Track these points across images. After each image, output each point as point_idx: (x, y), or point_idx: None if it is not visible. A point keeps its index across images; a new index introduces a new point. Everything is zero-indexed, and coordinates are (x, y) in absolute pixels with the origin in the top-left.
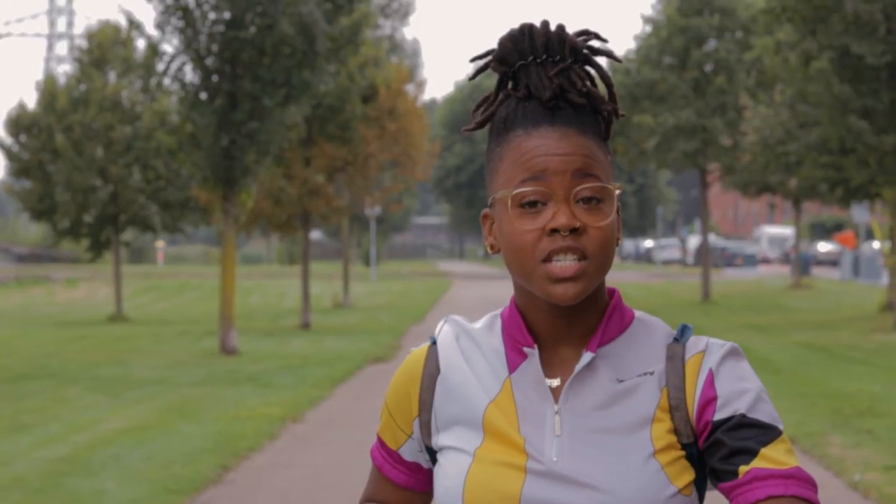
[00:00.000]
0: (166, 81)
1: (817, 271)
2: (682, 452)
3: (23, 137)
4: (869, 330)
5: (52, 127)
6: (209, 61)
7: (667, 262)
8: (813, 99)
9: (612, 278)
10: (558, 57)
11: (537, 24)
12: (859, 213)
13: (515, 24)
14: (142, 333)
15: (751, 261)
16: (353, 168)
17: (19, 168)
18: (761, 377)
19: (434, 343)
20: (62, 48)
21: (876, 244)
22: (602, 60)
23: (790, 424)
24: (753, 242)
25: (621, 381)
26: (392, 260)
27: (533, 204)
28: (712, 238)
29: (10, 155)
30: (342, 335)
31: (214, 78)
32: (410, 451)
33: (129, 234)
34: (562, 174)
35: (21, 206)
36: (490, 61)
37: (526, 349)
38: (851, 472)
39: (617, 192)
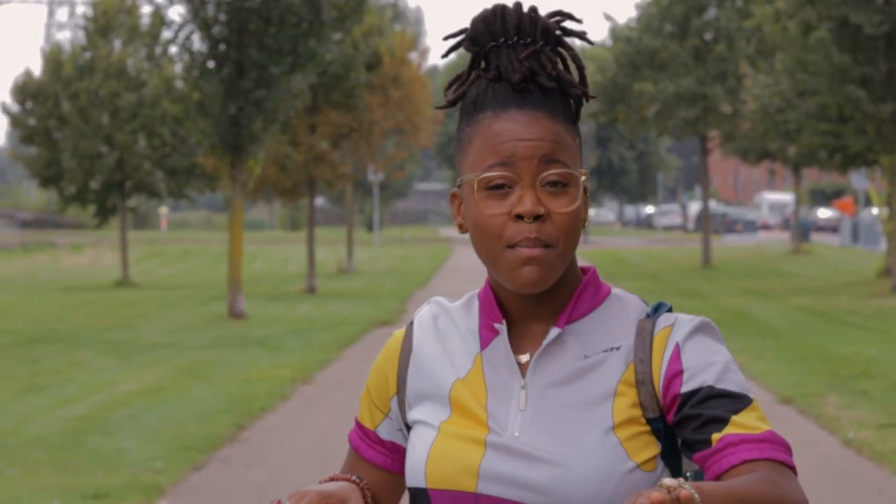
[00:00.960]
0: (173, 49)
1: (817, 237)
2: (647, 427)
3: (29, 104)
4: (867, 295)
5: (58, 94)
6: (216, 30)
7: (668, 228)
8: (812, 68)
9: (614, 244)
10: (530, 39)
11: (510, 4)
12: (858, 180)
13: (491, 3)
14: (149, 298)
15: (751, 227)
16: (357, 135)
17: (26, 135)
18: (761, 342)
19: (412, 324)
20: (63, 15)
21: (875, 210)
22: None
23: (788, 386)
24: (754, 209)
25: (587, 356)
26: (394, 225)
27: (499, 187)
28: (713, 204)
29: (17, 122)
30: (347, 300)
31: (222, 47)
32: (387, 430)
33: (134, 201)
34: (528, 159)
35: (27, 173)
36: (462, 41)
37: (496, 325)
38: (845, 431)
39: (583, 177)
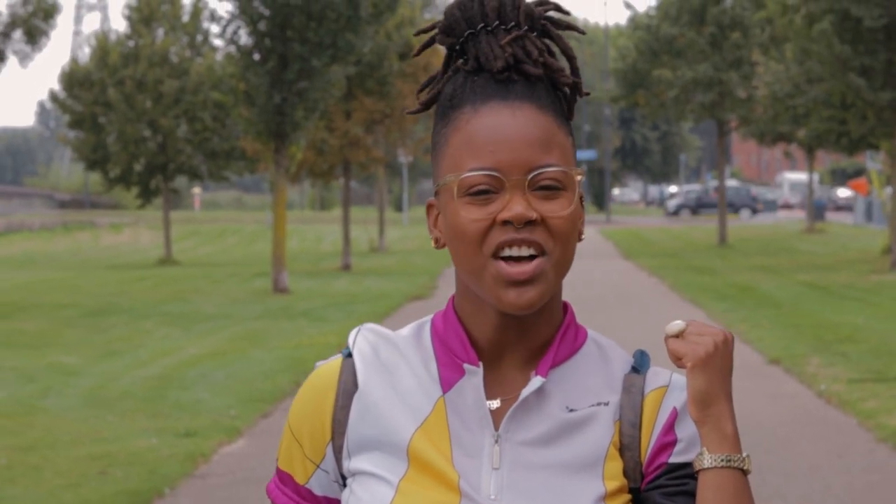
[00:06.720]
0: (218, 43)
1: (835, 216)
2: (629, 498)
3: (76, 91)
4: (868, 271)
5: (104, 81)
6: (262, 25)
7: None
8: (816, 57)
9: (635, 223)
10: (512, 24)
11: None
12: (872, 162)
13: None
14: (195, 275)
15: (771, 206)
16: (389, 121)
17: (73, 120)
18: (761, 312)
19: (349, 355)
20: None
21: (888, 190)
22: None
23: (778, 349)
24: (775, 188)
25: (572, 410)
26: (421, 205)
27: (483, 193)
28: (734, 184)
29: (65, 107)
30: (382, 276)
31: (267, 41)
32: (321, 485)
33: (175, 183)
34: (515, 159)
35: (74, 156)
36: (435, 34)
37: (467, 366)
38: (820, 385)
39: (579, 178)
